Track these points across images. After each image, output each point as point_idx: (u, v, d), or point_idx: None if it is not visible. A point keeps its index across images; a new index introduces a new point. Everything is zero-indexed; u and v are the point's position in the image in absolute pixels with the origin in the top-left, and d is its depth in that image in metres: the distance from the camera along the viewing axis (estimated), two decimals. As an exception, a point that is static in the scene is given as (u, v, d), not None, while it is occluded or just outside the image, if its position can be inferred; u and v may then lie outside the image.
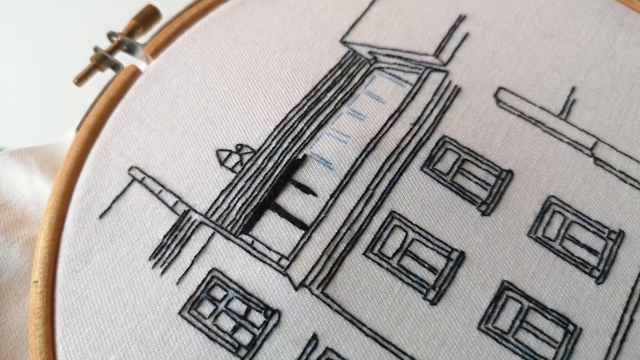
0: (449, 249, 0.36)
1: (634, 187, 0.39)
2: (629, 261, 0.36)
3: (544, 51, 0.43)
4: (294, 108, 0.40)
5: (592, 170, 0.39)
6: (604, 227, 0.37)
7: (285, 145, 0.38)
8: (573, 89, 0.42)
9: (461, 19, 0.44)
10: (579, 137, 0.40)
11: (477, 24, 0.44)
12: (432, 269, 0.35)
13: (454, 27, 0.44)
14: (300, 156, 0.38)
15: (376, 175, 0.37)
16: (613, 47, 0.44)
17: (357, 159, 0.38)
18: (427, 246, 0.36)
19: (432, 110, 0.40)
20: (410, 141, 0.39)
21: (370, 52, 0.42)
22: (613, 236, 0.37)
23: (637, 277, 0.36)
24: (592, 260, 0.36)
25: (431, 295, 0.35)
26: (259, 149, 0.38)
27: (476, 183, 0.38)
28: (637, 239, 0.37)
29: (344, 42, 0.42)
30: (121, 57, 0.43)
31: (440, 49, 0.42)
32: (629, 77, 0.43)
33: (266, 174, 0.37)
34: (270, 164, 0.38)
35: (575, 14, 0.45)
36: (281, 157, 0.38)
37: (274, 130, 0.39)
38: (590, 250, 0.36)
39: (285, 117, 0.39)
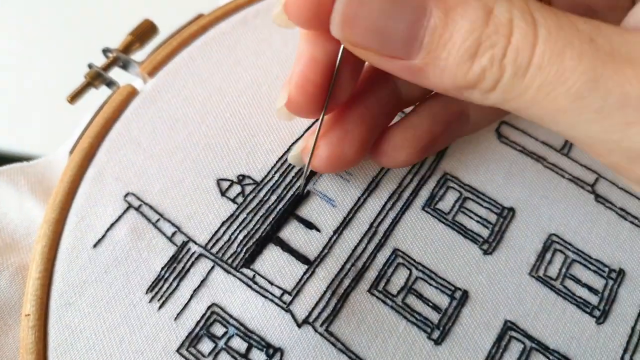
0: (453, 288, 0.35)
1: (634, 224, 0.39)
2: (629, 300, 0.36)
3: (546, 83, 0.43)
4: (297, 140, 0.39)
5: (593, 208, 0.39)
6: (604, 266, 0.37)
7: (288, 179, 0.37)
8: (574, 123, 0.42)
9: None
10: (580, 173, 0.40)
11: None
12: (436, 307, 0.35)
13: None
14: (303, 192, 0.37)
15: (379, 214, 0.37)
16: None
17: (359, 198, 0.37)
18: (430, 284, 0.35)
19: (435, 146, 0.39)
20: (412, 179, 0.38)
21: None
22: (613, 275, 0.37)
23: (637, 317, 0.36)
24: (593, 299, 0.36)
25: (435, 334, 0.34)
26: (261, 181, 0.37)
27: (478, 222, 0.37)
28: (637, 277, 0.37)
29: (348, 68, 0.41)
30: (117, 73, 0.42)
31: (444, 78, 0.42)
32: (629, 111, 0.43)
33: (269, 207, 0.37)
34: (274, 198, 0.37)
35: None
36: (284, 191, 0.37)
37: (277, 162, 0.38)
38: (591, 289, 0.37)
39: (288, 150, 0.38)
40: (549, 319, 0.35)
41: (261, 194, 0.37)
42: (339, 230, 0.36)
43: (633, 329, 0.36)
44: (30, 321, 0.33)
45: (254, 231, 0.36)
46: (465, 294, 0.35)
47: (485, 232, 0.37)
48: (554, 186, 0.39)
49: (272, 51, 0.42)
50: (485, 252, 0.37)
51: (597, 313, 0.36)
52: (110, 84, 0.41)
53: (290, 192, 0.37)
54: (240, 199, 0.37)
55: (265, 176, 0.38)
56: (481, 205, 0.38)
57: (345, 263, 0.35)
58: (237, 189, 0.37)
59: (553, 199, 0.39)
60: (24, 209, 0.38)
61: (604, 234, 0.38)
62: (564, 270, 0.37)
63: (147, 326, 0.33)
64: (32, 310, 0.33)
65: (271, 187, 0.37)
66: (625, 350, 0.35)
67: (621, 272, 0.37)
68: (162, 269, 0.35)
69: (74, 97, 0.40)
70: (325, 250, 0.36)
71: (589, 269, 0.37)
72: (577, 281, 0.37)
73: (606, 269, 0.37)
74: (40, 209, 0.38)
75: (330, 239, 0.36)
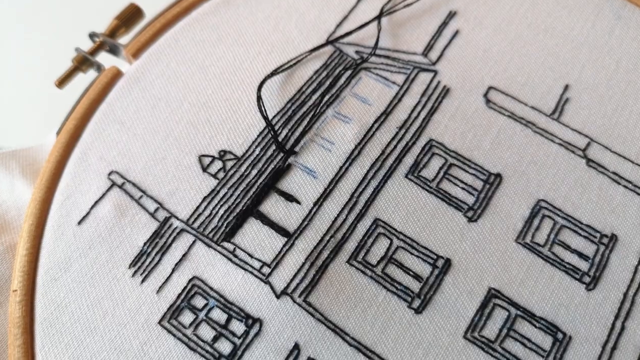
0: (435, 257, 0.35)
1: (627, 188, 0.37)
2: (621, 266, 0.35)
3: (537, 48, 0.42)
4: (278, 112, 0.39)
5: (585, 172, 0.38)
6: (595, 232, 0.36)
7: (269, 152, 0.37)
8: (566, 87, 0.41)
9: (451, 15, 0.43)
10: (571, 138, 0.39)
11: (467, 20, 0.43)
12: (417, 276, 0.34)
13: (444, 24, 0.42)
14: (284, 165, 0.37)
15: (360, 183, 0.36)
16: (609, 42, 0.42)
17: (341, 167, 0.37)
18: (412, 254, 0.35)
19: (419, 113, 0.39)
20: (395, 146, 0.38)
21: (357, 52, 0.41)
22: (605, 240, 0.36)
23: (629, 283, 0.35)
24: (583, 265, 0.35)
25: (416, 303, 0.34)
26: (242, 156, 0.37)
27: (463, 189, 0.37)
28: (629, 242, 0.36)
29: (330, 41, 0.41)
30: (105, 57, 0.42)
31: (429, 47, 0.41)
32: (625, 74, 0.41)
33: (249, 182, 0.37)
34: (254, 172, 0.37)
35: (571, 8, 0.44)
36: (265, 165, 0.37)
37: (258, 136, 0.38)
38: (581, 255, 0.35)
39: (269, 122, 0.38)
40: (535, 286, 0.35)
41: (242, 169, 0.37)
42: (319, 202, 0.36)
43: (625, 294, 0.35)
44: (18, 296, 0.34)
45: (234, 205, 0.36)
46: (447, 262, 0.35)
47: (470, 199, 0.37)
48: (544, 151, 0.38)
49: (254, 29, 0.42)
50: (470, 220, 0.36)
51: (587, 279, 0.35)
52: (98, 67, 0.41)
53: (271, 166, 0.37)
54: (221, 175, 0.37)
55: (246, 151, 0.38)
56: (467, 171, 0.37)
57: (325, 235, 0.35)
58: (218, 164, 0.37)
59: (542, 165, 0.38)
60: (16, 191, 0.39)
61: (595, 199, 0.37)
62: (552, 236, 0.36)
63: (130, 299, 0.34)
64: (19, 286, 0.34)
65: (252, 161, 0.37)
66: (616, 317, 0.34)
67: (613, 238, 0.36)
68: (145, 244, 0.35)
69: (62, 82, 0.40)
70: (305, 223, 0.35)
71: (579, 234, 0.36)
72: (567, 247, 0.36)
73: (597, 235, 0.36)
74: (31, 191, 0.39)
75: (310, 211, 0.36)
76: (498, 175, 0.37)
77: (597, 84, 0.41)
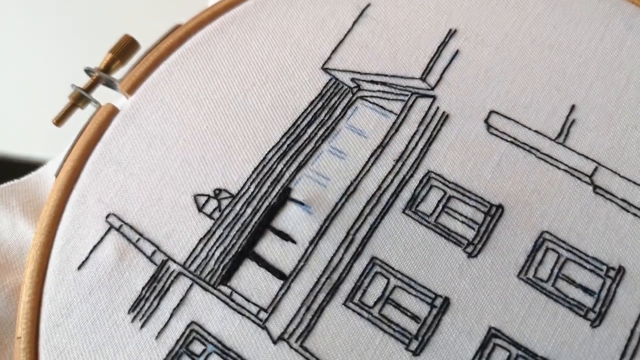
0: (433, 296, 0.34)
1: (637, 216, 0.36)
2: (629, 300, 0.34)
3: (541, 66, 0.40)
4: (272, 147, 0.38)
5: (591, 200, 0.36)
6: (602, 264, 0.35)
7: (264, 189, 0.37)
8: (573, 108, 0.39)
9: (451, 34, 0.41)
10: (577, 163, 0.37)
11: (468, 38, 0.41)
12: (414, 317, 0.34)
13: (444, 44, 0.41)
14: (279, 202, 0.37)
15: (356, 220, 0.36)
16: (620, 55, 0.40)
17: (337, 204, 0.36)
18: (409, 293, 0.34)
19: (417, 143, 0.38)
20: (392, 180, 0.37)
21: (353, 80, 0.40)
22: (612, 273, 0.35)
23: (637, 318, 0.34)
24: (588, 301, 0.34)
25: (414, 345, 0.33)
26: (237, 194, 0.37)
27: (462, 222, 0.36)
28: (638, 274, 0.35)
29: (325, 69, 0.40)
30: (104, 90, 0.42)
31: (428, 70, 0.40)
32: (636, 90, 0.39)
33: (245, 221, 0.36)
34: (249, 210, 0.37)
35: (578, 20, 0.42)
36: (260, 203, 0.37)
37: (253, 172, 0.37)
38: (586, 290, 0.34)
39: (264, 158, 0.38)
40: (537, 324, 0.34)
41: (237, 208, 0.37)
42: (314, 241, 0.36)
43: (632, 331, 0.33)
44: (22, 343, 0.35)
45: (230, 247, 0.36)
46: (446, 301, 0.34)
47: (470, 234, 0.36)
48: (548, 179, 0.37)
49: (249, 57, 0.41)
50: (470, 255, 0.35)
51: (592, 315, 0.34)
52: (95, 103, 0.41)
53: (266, 204, 0.37)
54: (216, 214, 0.37)
55: (241, 188, 0.37)
56: (467, 204, 0.36)
57: (321, 276, 0.35)
58: (213, 203, 0.37)
59: (546, 193, 0.37)
60: (17, 229, 0.40)
61: (602, 229, 0.36)
62: (556, 270, 0.35)
63: (130, 346, 0.34)
64: (23, 333, 0.35)
65: (247, 199, 0.37)
66: (622, 355, 0.33)
67: (621, 270, 0.35)
68: (143, 288, 0.35)
69: (60, 120, 0.41)
70: (301, 264, 0.35)
71: (585, 268, 0.35)
72: (571, 282, 0.35)
73: (604, 267, 0.35)
74: (32, 229, 0.40)
75: (306, 250, 0.35)
76: (499, 207, 0.36)
77: (606, 103, 0.39)
